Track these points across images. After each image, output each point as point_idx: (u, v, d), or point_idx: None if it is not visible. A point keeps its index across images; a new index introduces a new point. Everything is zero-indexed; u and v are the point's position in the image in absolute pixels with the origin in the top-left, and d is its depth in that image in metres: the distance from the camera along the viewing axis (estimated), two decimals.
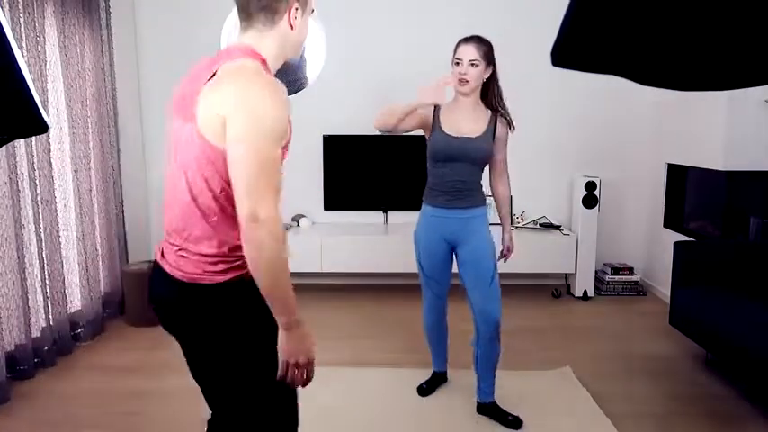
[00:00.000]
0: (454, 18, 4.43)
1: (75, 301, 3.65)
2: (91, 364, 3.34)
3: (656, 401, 2.88)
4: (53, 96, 3.41)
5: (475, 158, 2.53)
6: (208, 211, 1.35)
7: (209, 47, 4.67)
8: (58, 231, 3.38)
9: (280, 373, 1.34)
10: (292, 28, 1.43)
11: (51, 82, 3.38)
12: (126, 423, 2.68)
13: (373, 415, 2.72)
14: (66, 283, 3.52)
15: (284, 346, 1.33)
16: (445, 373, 3.02)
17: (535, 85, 4.52)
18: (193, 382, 1.57)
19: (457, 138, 2.52)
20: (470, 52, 2.46)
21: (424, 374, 3.02)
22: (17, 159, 3.03)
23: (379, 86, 4.50)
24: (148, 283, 1.54)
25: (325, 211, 4.69)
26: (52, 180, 3.34)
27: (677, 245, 3.32)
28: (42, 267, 3.28)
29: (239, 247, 1.30)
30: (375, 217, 4.74)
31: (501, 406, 2.69)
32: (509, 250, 2.78)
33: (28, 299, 3.11)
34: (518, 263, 4.38)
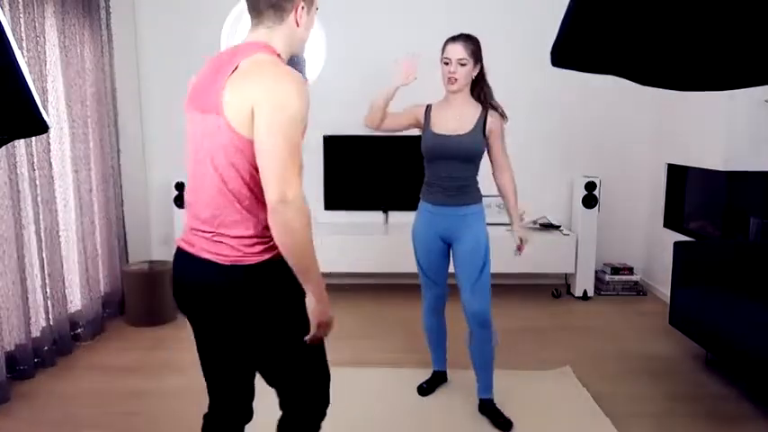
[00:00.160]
0: (454, 18, 4.43)
1: (76, 301, 3.65)
2: (91, 364, 3.34)
3: (656, 401, 2.88)
4: (53, 96, 3.41)
5: (464, 156, 2.54)
6: (239, 196, 1.44)
7: (210, 47, 4.69)
8: (57, 231, 3.38)
9: (312, 332, 1.52)
10: (298, 25, 1.52)
11: (51, 82, 3.38)
12: (126, 423, 2.68)
13: (373, 415, 2.72)
14: (67, 283, 3.52)
15: (315, 310, 1.50)
16: (445, 372, 3.02)
17: (535, 85, 4.52)
18: (194, 381, 1.58)
19: (444, 136, 2.55)
20: (458, 51, 2.48)
21: (424, 374, 3.02)
22: (17, 159, 3.03)
23: (379, 86, 4.49)
24: (176, 275, 1.60)
25: (326, 211, 4.69)
26: (52, 180, 3.34)
27: (677, 245, 3.32)
28: (42, 267, 3.28)
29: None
30: (375, 217, 4.74)
31: (499, 406, 2.69)
32: (522, 242, 2.66)
33: (28, 299, 3.11)
34: (518, 263, 4.40)
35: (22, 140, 3.07)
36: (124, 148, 4.29)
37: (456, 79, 2.49)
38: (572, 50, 0.98)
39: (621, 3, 0.91)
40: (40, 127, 1.50)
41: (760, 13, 0.85)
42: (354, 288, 4.65)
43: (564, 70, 1.06)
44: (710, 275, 3.21)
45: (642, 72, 1.00)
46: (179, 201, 4.34)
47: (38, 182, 3.21)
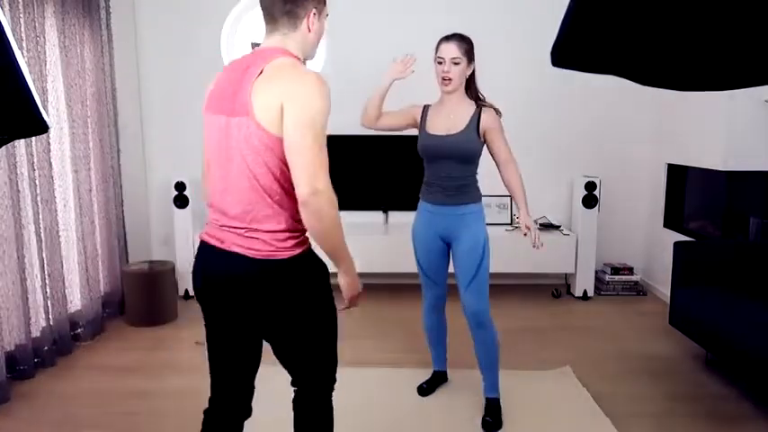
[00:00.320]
0: (454, 18, 4.43)
1: (75, 301, 3.65)
2: (91, 364, 3.34)
3: (656, 401, 2.88)
4: (53, 96, 3.41)
5: (458, 155, 2.54)
6: (270, 192, 1.55)
7: (210, 47, 4.70)
8: (57, 231, 3.38)
9: (347, 304, 1.74)
10: (310, 30, 1.64)
11: (51, 82, 3.38)
12: (126, 423, 2.68)
13: (373, 415, 2.72)
14: (67, 283, 3.52)
15: (346, 284, 1.70)
16: (445, 372, 3.02)
17: (534, 84, 4.51)
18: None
19: (438, 136, 2.56)
20: (452, 50, 2.48)
21: (424, 374, 3.02)
22: (17, 159, 3.03)
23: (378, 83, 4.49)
24: (201, 269, 1.67)
25: None
26: (52, 180, 3.34)
27: (677, 245, 3.32)
28: (42, 267, 3.28)
29: (300, 221, 1.57)
30: (375, 217, 4.74)
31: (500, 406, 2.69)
32: (531, 231, 2.57)
33: (28, 299, 3.11)
34: (518, 263, 4.41)
35: (22, 140, 3.07)
36: (124, 148, 4.29)
37: (450, 79, 2.50)
38: (572, 50, 0.98)
39: (622, 3, 0.91)
40: (40, 127, 1.50)
41: (760, 13, 0.85)
42: None
43: (564, 70, 1.06)
44: (710, 275, 3.21)
45: (642, 72, 1.00)
46: (179, 201, 4.34)
47: (38, 182, 3.21)
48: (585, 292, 4.45)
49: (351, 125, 4.50)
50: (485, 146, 2.59)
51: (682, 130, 4.14)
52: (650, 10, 0.90)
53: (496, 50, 4.26)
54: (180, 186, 4.34)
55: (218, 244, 1.62)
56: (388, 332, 3.77)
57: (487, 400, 2.71)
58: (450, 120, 2.56)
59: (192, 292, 4.43)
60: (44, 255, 3.29)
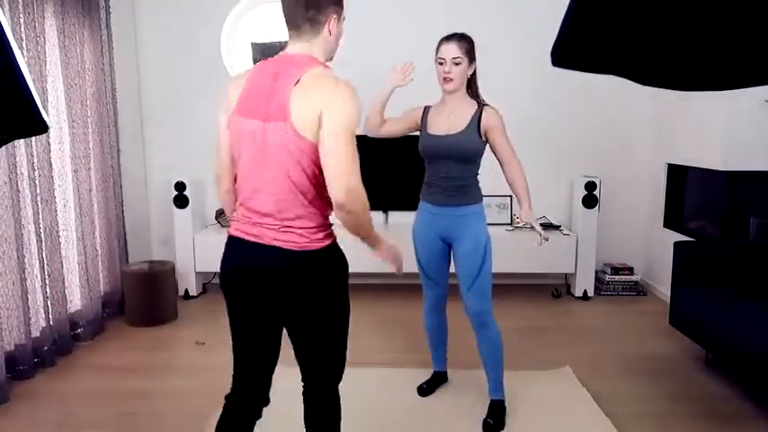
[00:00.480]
0: (454, 18, 4.43)
1: (75, 301, 3.65)
2: (91, 364, 3.34)
3: (656, 401, 2.88)
4: (53, 96, 3.41)
5: (457, 155, 2.53)
6: (305, 191, 1.68)
7: (210, 47, 4.69)
8: (57, 231, 3.38)
9: (399, 269, 1.99)
10: (330, 34, 1.73)
11: (51, 82, 3.38)
12: (126, 423, 2.68)
13: (373, 415, 2.72)
14: (66, 283, 3.52)
15: (390, 256, 1.93)
16: (445, 372, 3.02)
17: (534, 84, 4.52)
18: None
19: (438, 136, 2.56)
20: (453, 50, 2.48)
21: (424, 374, 3.02)
22: (17, 159, 3.03)
23: (379, 87, 4.49)
24: (233, 261, 1.76)
25: None
26: (52, 180, 3.34)
27: (677, 245, 3.32)
28: (42, 267, 3.28)
29: (328, 217, 1.74)
30: (375, 217, 4.71)
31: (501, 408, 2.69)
32: (534, 227, 2.55)
33: (28, 299, 3.11)
34: (518, 263, 4.41)
35: (22, 140, 3.07)
36: (124, 148, 4.29)
37: (451, 79, 2.50)
38: (572, 50, 0.98)
39: (622, 3, 0.91)
40: (40, 127, 1.50)
41: (760, 13, 0.85)
42: (355, 288, 4.62)
43: (564, 70, 1.05)
44: (710, 275, 3.21)
45: (643, 72, 1.00)
46: (179, 201, 4.34)
47: (38, 182, 3.21)
48: (585, 292, 4.45)
49: None
50: (487, 146, 2.59)
51: (682, 130, 4.14)
52: (650, 10, 0.90)
53: (496, 50, 4.26)
54: (180, 186, 4.34)
55: (253, 239, 1.72)
56: (388, 332, 3.77)
57: (492, 401, 2.70)
58: (450, 120, 2.56)
59: (192, 293, 4.44)
60: (44, 255, 3.29)
